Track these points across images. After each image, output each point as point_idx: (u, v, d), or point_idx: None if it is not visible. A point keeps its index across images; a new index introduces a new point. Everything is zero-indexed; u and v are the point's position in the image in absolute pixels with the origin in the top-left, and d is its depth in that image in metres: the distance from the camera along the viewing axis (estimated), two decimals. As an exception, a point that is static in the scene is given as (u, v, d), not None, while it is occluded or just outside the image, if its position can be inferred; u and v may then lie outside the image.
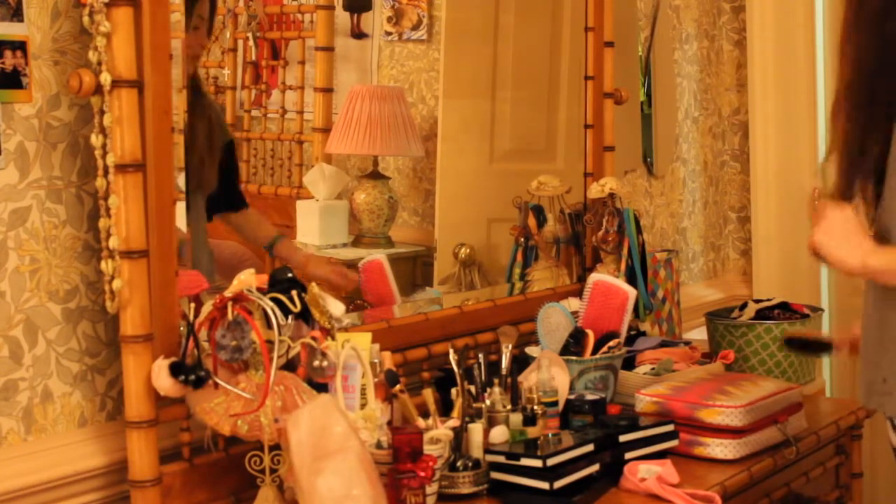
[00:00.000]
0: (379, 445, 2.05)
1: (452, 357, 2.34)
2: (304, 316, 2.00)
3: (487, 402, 2.31)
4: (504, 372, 2.39)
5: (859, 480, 2.81)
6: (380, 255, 2.87)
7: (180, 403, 1.97)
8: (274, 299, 1.94)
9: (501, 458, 2.17)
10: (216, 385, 1.91)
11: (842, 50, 2.03)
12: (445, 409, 2.33)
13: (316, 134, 3.01)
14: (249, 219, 2.73)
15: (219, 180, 2.51)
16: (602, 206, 2.90)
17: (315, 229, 2.90)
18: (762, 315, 3.00)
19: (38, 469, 1.92)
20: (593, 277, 2.72)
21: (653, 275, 3.13)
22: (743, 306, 3.07)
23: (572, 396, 2.43)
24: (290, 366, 1.99)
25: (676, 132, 3.74)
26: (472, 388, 2.33)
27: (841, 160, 2.05)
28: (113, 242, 1.88)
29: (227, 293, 1.93)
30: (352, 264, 2.85)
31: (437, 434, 2.11)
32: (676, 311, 3.29)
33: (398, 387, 2.16)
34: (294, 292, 1.96)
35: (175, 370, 1.89)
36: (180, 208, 2.10)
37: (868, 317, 2.05)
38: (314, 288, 2.01)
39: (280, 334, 1.93)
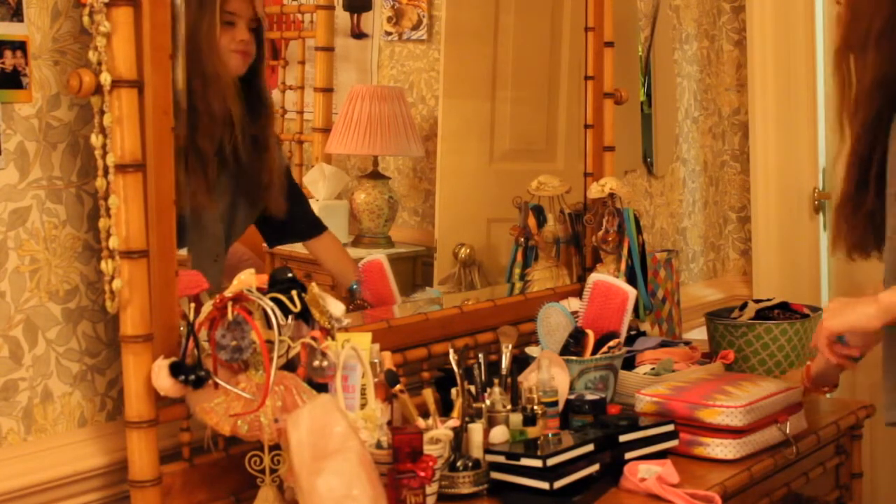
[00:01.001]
0: (379, 445, 2.05)
1: (452, 357, 2.34)
2: (304, 316, 2.00)
3: (487, 402, 2.31)
4: (504, 372, 2.39)
5: (859, 480, 2.81)
6: (380, 255, 2.86)
7: (180, 403, 1.97)
8: (274, 299, 1.94)
9: (501, 458, 2.17)
10: (216, 385, 1.91)
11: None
12: (445, 409, 2.33)
13: (316, 134, 3.01)
14: (327, 247, 2.70)
15: (279, 208, 2.49)
16: (602, 206, 2.90)
17: (315, 229, 2.90)
18: (762, 315, 3.00)
19: (38, 469, 1.92)
20: (593, 277, 2.72)
21: (653, 275, 3.13)
22: (743, 306, 3.07)
23: (572, 396, 2.43)
24: (290, 366, 1.99)
25: (676, 132, 3.74)
26: (472, 388, 2.33)
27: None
28: (113, 242, 1.88)
29: (227, 293, 1.93)
30: (352, 264, 2.86)
31: (437, 434, 2.11)
32: (676, 311, 3.29)
33: (398, 387, 2.16)
34: (294, 292, 1.96)
35: (175, 370, 1.89)
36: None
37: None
38: (314, 288, 2.01)
39: (280, 334, 1.93)
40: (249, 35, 2.39)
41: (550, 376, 2.40)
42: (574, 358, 2.56)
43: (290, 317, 1.96)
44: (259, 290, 1.96)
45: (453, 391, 2.31)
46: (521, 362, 2.53)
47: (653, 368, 2.71)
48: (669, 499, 2.13)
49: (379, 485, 1.86)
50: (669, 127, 3.69)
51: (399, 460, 1.99)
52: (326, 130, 3.01)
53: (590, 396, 2.42)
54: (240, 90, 2.37)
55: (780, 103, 3.79)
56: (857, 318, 2.08)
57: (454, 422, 2.21)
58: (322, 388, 2.02)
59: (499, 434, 2.24)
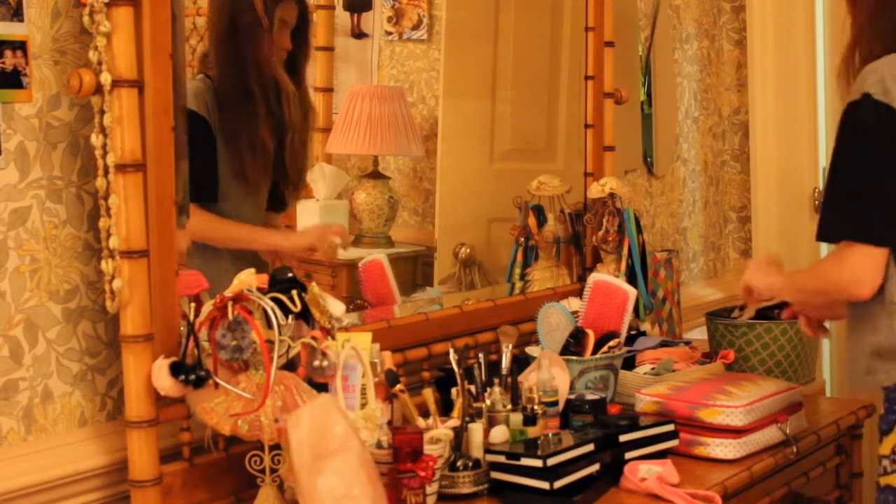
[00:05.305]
0: (379, 445, 2.04)
1: (452, 357, 2.34)
2: (305, 316, 2.00)
3: (487, 401, 2.31)
4: (504, 372, 2.39)
5: (859, 480, 2.81)
6: (380, 255, 2.87)
7: (180, 403, 1.97)
8: (274, 299, 1.94)
9: (501, 458, 2.16)
10: (216, 385, 1.91)
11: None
12: (445, 408, 2.33)
13: (316, 134, 3.01)
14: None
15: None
16: (602, 206, 2.90)
17: (315, 229, 2.90)
18: (762, 315, 3.00)
19: (38, 469, 1.92)
20: (593, 277, 2.72)
21: (653, 274, 3.13)
22: (743, 306, 3.07)
23: (572, 396, 2.43)
24: (290, 366, 1.99)
25: (676, 132, 3.74)
26: (473, 388, 2.33)
27: None
28: (113, 242, 1.88)
29: (228, 293, 1.93)
30: (352, 264, 2.85)
31: (438, 434, 2.11)
32: (676, 311, 3.29)
33: (398, 387, 2.16)
34: (294, 292, 1.96)
35: (175, 370, 1.89)
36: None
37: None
38: (314, 288, 2.01)
39: (280, 334, 1.93)
40: (290, 41, 2.50)
41: (551, 376, 2.40)
42: (574, 358, 2.56)
43: (290, 316, 1.96)
44: (259, 289, 1.96)
45: (453, 391, 2.31)
46: (522, 362, 2.53)
47: (653, 368, 2.71)
48: (670, 498, 2.13)
49: (379, 484, 1.86)
50: (669, 127, 3.69)
51: (399, 460, 1.99)
52: (327, 130, 3.01)
53: (590, 396, 2.42)
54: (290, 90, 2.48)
55: (780, 103, 3.79)
56: (769, 286, 2.36)
57: (454, 421, 2.21)
58: (322, 387, 2.02)
59: (499, 434, 2.24)
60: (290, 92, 2.48)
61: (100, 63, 1.86)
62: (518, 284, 2.97)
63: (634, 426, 2.30)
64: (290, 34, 2.49)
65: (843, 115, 2.14)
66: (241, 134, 2.41)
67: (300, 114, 2.52)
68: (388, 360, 2.23)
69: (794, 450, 2.44)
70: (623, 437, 2.27)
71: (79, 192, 2.02)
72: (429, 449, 2.05)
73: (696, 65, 3.84)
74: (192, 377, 1.88)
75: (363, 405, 2.09)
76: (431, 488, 2.07)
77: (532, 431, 2.28)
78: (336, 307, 2.05)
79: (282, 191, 2.56)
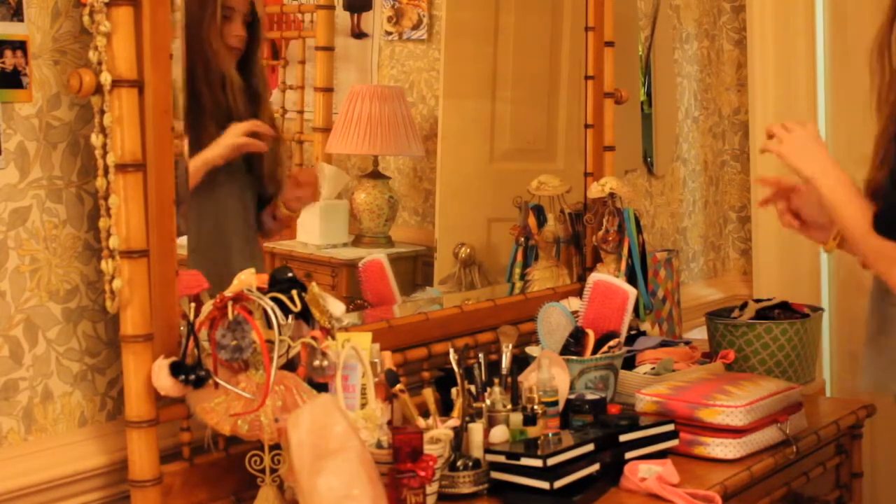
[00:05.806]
0: (379, 445, 2.05)
1: (452, 357, 2.34)
2: (305, 315, 2.00)
3: (487, 401, 2.31)
4: (504, 372, 2.39)
5: (859, 480, 2.81)
6: (380, 255, 2.87)
7: (180, 403, 1.97)
8: (274, 299, 1.95)
9: (501, 458, 2.17)
10: (216, 385, 1.91)
11: None
12: (445, 408, 2.33)
13: (316, 134, 3.01)
14: None
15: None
16: (602, 206, 2.90)
17: (315, 229, 2.90)
18: (762, 315, 3.00)
19: (38, 469, 1.92)
20: (593, 277, 2.72)
21: (653, 274, 3.13)
22: (743, 306, 3.07)
23: (572, 396, 2.43)
24: (290, 365, 1.99)
25: (676, 132, 3.74)
26: (473, 388, 2.33)
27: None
28: (113, 242, 1.88)
29: (228, 293, 1.93)
30: (352, 264, 2.86)
31: (438, 434, 2.11)
32: (676, 311, 3.29)
33: (398, 386, 2.16)
34: (294, 292, 1.97)
35: (175, 370, 1.89)
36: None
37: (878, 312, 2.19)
38: (314, 288, 2.01)
39: (280, 334, 1.93)
40: (244, 30, 2.41)
41: (551, 376, 2.40)
42: (574, 357, 2.56)
43: (290, 316, 1.96)
44: (259, 289, 1.96)
45: (453, 391, 2.31)
46: (522, 362, 2.53)
47: (653, 368, 2.71)
48: (670, 498, 2.13)
49: (379, 484, 1.86)
50: (669, 127, 3.69)
51: (399, 460, 1.99)
52: (327, 130, 3.00)
53: (590, 396, 2.42)
54: (237, 83, 2.39)
55: (780, 103, 3.79)
56: (798, 162, 2.17)
57: (454, 421, 2.21)
58: (322, 387, 2.02)
59: (499, 434, 2.24)
60: (236, 83, 2.42)
61: (100, 63, 1.86)
62: (518, 284, 2.97)
63: (634, 426, 2.30)
64: (242, 22, 2.40)
65: None
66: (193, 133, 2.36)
67: (250, 106, 2.44)
68: (388, 360, 2.23)
69: (794, 450, 2.44)
70: (623, 437, 2.27)
71: (79, 192, 2.02)
72: (429, 449, 2.05)
73: (696, 65, 3.84)
74: (192, 377, 1.88)
75: (363, 405, 2.09)
76: (431, 488, 2.07)
77: (532, 431, 2.28)
78: (336, 307, 2.05)
79: (264, 188, 2.50)
